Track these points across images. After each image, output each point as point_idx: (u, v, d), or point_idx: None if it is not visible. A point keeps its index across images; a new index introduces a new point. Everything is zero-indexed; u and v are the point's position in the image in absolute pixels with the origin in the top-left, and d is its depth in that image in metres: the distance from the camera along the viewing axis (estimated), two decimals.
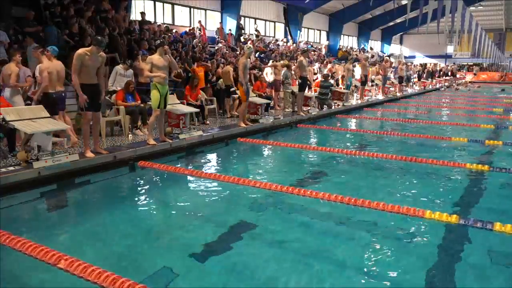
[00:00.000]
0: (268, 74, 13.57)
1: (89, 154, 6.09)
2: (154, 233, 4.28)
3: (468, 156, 7.55)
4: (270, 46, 21.35)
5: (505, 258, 3.72)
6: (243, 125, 9.30)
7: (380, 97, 18.02)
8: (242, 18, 22.15)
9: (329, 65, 19.74)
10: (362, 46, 35.59)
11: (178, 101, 8.62)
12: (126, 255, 3.72)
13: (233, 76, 10.77)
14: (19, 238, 3.57)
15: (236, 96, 11.02)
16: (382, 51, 38.35)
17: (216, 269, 3.46)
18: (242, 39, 19.91)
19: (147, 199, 5.44)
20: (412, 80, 23.68)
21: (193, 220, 4.64)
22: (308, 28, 29.06)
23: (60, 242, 3.99)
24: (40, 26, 9.72)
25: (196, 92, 9.93)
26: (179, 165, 6.93)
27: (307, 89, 12.51)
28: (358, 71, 16.92)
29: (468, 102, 18.80)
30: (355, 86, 16.62)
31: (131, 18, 13.96)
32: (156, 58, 7.04)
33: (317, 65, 19.77)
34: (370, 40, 36.92)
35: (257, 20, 24.02)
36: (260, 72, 13.36)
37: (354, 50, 32.33)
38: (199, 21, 18.52)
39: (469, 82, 34.41)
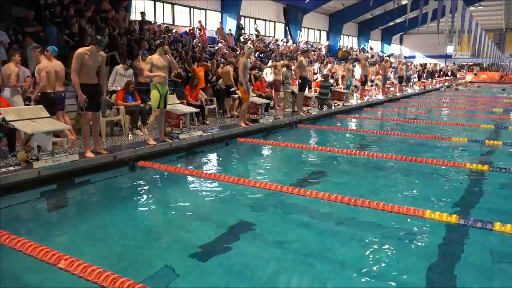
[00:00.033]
0: (268, 74, 13.57)
1: (89, 154, 6.09)
2: (154, 233, 4.28)
3: (468, 156, 7.55)
4: (270, 46, 21.35)
5: (505, 258, 3.72)
6: (243, 125, 9.30)
7: (380, 97, 18.02)
8: (242, 18, 22.15)
9: (329, 65, 19.75)
10: (362, 46, 35.59)
11: (178, 101, 8.62)
12: (126, 255, 3.72)
13: (233, 76, 10.77)
14: (19, 238, 3.57)
15: (236, 96, 11.02)
16: (382, 51, 38.35)
17: (216, 269, 3.46)
18: (242, 39, 19.91)
19: (147, 199, 5.44)
20: (412, 80, 23.69)
21: (193, 220, 4.64)
22: (308, 28, 29.07)
23: (60, 242, 3.99)
24: (40, 26, 9.72)
25: (196, 92, 9.93)
26: (179, 165, 6.93)
27: (307, 89, 12.52)
28: (358, 71, 16.92)
29: (468, 102, 18.81)
30: (355, 86, 16.62)
31: (131, 18, 13.96)
32: (156, 58, 7.04)
33: (317, 65, 19.78)
34: (370, 40, 36.93)
35: (257, 20, 24.02)
36: (260, 72, 13.35)
37: (354, 50, 32.33)
38: (199, 21, 18.52)
39: (469, 82, 34.41)
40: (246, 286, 3.24)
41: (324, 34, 31.58)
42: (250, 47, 9.65)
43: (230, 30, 19.91)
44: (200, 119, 9.78)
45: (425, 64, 31.99)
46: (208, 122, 9.84)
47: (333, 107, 13.45)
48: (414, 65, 29.11)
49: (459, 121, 11.93)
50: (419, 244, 3.96)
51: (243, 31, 21.36)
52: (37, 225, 4.59)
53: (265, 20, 24.86)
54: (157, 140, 7.23)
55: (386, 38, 40.53)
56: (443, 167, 6.54)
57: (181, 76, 10.49)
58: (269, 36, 24.54)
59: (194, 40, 15.85)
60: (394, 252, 3.76)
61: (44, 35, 9.58)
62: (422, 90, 24.22)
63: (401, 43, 46.52)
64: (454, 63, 40.78)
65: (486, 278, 3.37)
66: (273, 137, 9.42)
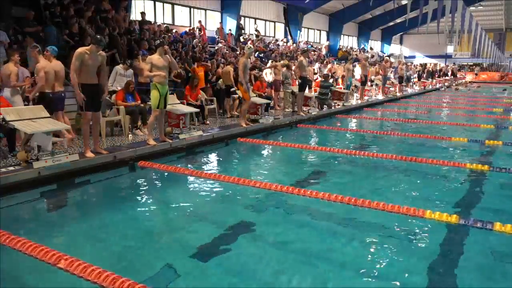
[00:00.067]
0: (268, 74, 13.57)
1: (89, 154, 6.09)
2: (154, 233, 4.28)
3: (468, 156, 7.54)
4: (270, 46, 21.35)
5: (505, 258, 3.72)
6: (244, 124, 9.31)
7: (380, 97, 18.02)
8: (242, 18, 22.16)
9: (329, 65, 19.76)
10: (362, 46, 35.60)
11: (178, 101, 8.62)
12: (126, 255, 3.72)
13: (233, 76, 10.77)
14: (19, 238, 3.56)
15: (236, 96, 11.02)
16: (382, 51, 38.36)
17: (217, 269, 3.46)
18: (242, 39, 19.91)
19: (147, 199, 5.43)
20: (412, 80, 23.69)
21: (193, 220, 4.63)
22: (308, 28, 29.07)
23: (60, 242, 3.99)
24: (40, 26, 9.72)
25: (196, 92, 9.93)
26: (179, 165, 6.92)
27: (307, 89, 12.51)
28: (358, 71, 16.92)
29: (468, 102, 18.80)
30: (355, 86, 16.62)
31: (131, 18, 13.96)
32: (155, 58, 7.04)
33: (317, 65, 19.78)
34: (370, 40, 36.94)
35: (257, 20, 24.03)
36: (260, 72, 13.36)
37: (354, 50, 32.34)
38: (199, 21, 18.53)
39: (469, 82, 34.40)
40: (246, 287, 3.24)
41: (324, 34, 31.59)
42: (250, 47, 9.66)
43: (230, 30, 19.91)
44: (200, 119, 9.78)
45: (425, 64, 31.99)
46: (208, 122, 9.84)
47: (333, 107, 13.45)
48: (414, 65, 29.12)
49: (459, 121, 11.93)
50: (419, 244, 3.97)
51: (243, 31, 21.36)
52: (37, 225, 4.59)
53: (265, 20, 24.87)
54: (157, 140, 7.23)
55: (386, 38, 40.54)
56: (443, 167, 6.54)
57: (181, 76, 10.49)
58: (269, 36, 24.54)
59: (194, 40, 15.86)
60: (394, 252, 3.75)
61: (44, 35, 9.58)
62: (422, 90, 24.22)
63: (401, 43, 46.53)
64: (454, 63, 40.79)
65: (486, 278, 3.37)
66: (273, 137, 9.42)
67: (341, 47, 31.01)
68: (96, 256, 3.60)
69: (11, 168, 5.34)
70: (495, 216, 4.44)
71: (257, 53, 18.06)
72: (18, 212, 4.87)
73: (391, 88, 20.10)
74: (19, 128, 5.61)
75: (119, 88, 8.60)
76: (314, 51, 24.74)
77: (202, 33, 17.44)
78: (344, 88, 15.30)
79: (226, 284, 3.25)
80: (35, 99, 6.98)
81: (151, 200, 5.40)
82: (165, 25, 16.30)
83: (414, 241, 4.01)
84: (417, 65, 30.83)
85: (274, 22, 25.64)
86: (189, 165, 7.05)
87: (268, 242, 4.02)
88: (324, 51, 26.94)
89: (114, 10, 12.33)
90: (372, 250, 3.78)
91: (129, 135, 7.90)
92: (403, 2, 25.85)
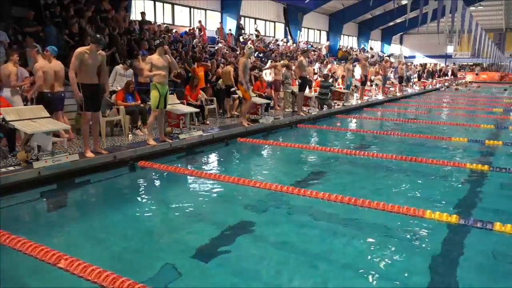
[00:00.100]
0: (267, 74, 13.56)
1: (89, 154, 6.09)
2: (154, 233, 4.28)
3: (468, 156, 7.54)
4: (270, 46, 21.35)
5: (505, 258, 3.72)
6: (245, 123, 9.31)
7: (380, 97, 18.02)
8: (242, 18, 22.16)
9: (329, 65, 19.75)
10: (362, 46, 35.60)
11: (178, 101, 8.61)
12: (126, 255, 3.72)
13: (234, 76, 10.77)
14: (19, 238, 3.56)
15: (236, 96, 11.03)
16: (382, 51, 38.36)
17: (217, 269, 3.46)
18: (241, 39, 19.91)
19: (147, 199, 5.44)
20: (412, 80, 23.69)
21: (193, 220, 4.63)
22: (308, 28, 29.07)
23: (60, 242, 3.99)
24: (40, 26, 9.72)
25: (196, 92, 9.93)
26: (179, 165, 6.93)
27: (307, 89, 12.51)
28: (358, 71, 16.92)
29: (468, 102, 18.81)
30: (355, 86, 16.62)
31: (131, 18, 13.96)
32: (155, 58, 7.04)
33: (317, 65, 19.78)
34: (370, 40, 36.94)
35: (257, 20, 24.03)
36: (260, 72, 13.36)
37: (354, 50, 32.34)
38: (199, 21, 18.53)
39: (469, 82, 34.40)
40: (247, 287, 3.24)
41: (324, 34, 31.59)
42: (250, 47, 9.66)
43: (230, 30, 19.91)
44: (200, 119, 9.78)
45: (425, 64, 32.00)
46: (208, 122, 9.84)
47: (333, 107, 13.45)
48: (414, 65, 29.12)
49: (459, 121, 11.93)
50: (419, 244, 3.97)
51: (243, 31, 21.36)
52: (37, 225, 4.59)
53: (265, 20, 24.87)
54: (157, 140, 7.23)
55: (386, 38, 40.54)
56: (443, 167, 6.54)
57: (181, 76, 10.49)
58: (269, 36, 24.55)
59: (194, 40, 15.86)
60: (394, 252, 3.75)
61: (43, 35, 9.58)
62: (422, 90, 24.22)
63: (401, 43, 46.54)
64: (454, 63, 40.80)
65: (486, 278, 3.37)
66: (273, 137, 9.42)
67: (341, 47, 31.01)
68: (96, 256, 3.60)
69: (11, 168, 5.34)
70: (495, 216, 4.44)
71: (257, 53, 18.06)
72: (18, 212, 4.87)
73: (391, 88, 20.10)
74: (19, 128, 5.61)
75: (119, 88, 8.60)
76: (314, 51, 24.74)
77: (202, 33, 17.44)
78: (344, 88, 15.30)
79: (226, 284, 3.24)
80: (34, 99, 6.98)
81: (151, 200, 5.40)
82: (165, 25, 16.30)
83: (414, 241, 4.01)
84: (417, 65, 30.84)
85: (274, 22, 25.64)
86: (189, 165, 7.05)
87: (269, 242, 4.02)
88: (324, 51, 26.93)
89: (114, 10, 12.33)
90: (372, 250, 3.78)
91: (129, 135, 7.90)
92: (403, 2, 25.85)
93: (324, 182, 5.98)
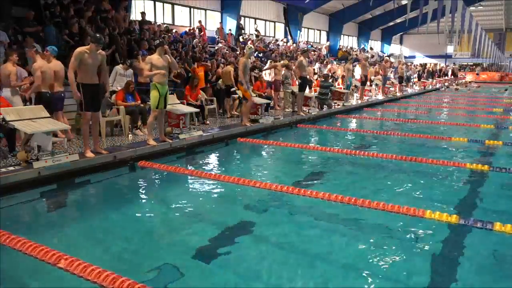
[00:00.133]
0: (266, 74, 13.56)
1: (89, 154, 6.09)
2: (154, 233, 4.29)
3: (468, 156, 7.54)
4: (270, 46, 21.35)
5: (505, 258, 3.72)
6: (247, 123, 9.31)
7: (380, 97, 18.02)
8: (242, 18, 22.16)
9: (329, 65, 19.75)
10: (362, 46, 35.59)
11: (178, 101, 8.62)
12: (126, 255, 3.72)
13: (234, 76, 10.77)
14: (19, 238, 3.57)
15: (236, 96, 11.03)
16: (382, 51, 38.36)
17: (217, 269, 3.46)
18: (241, 39, 19.91)
19: (147, 199, 5.44)
20: (412, 80, 23.69)
21: (193, 220, 4.63)
22: (308, 28, 29.07)
23: (60, 242, 3.98)
24: (40, 26, 9.72)
25: (196, 92, 9.93)
26: (179, 165, 6.92)
27: (307, 89, 12.50)
28: (358, 71, 16.92)
29: (468, 102, 18.81)
30: (355, 86, 16.62)
31: (131, 18, 13.96)
32: (155, 58, 7.03)
33: (317, 65, 19.78)
34: (370, 40, 36.93)
35: (257, 20, 24.03)
36: (260, 72, 13.36)
37: (354, 50, 32.34)
38: (199, 21, 18.53)
39: (469, 82, 34.41)
40: (247, 287, 3.24)
41: (324, 34, 31.59)
42: (250, 47, 9.67)
43: (230, 30, 19.91)
44: (200, 119, 9.78)
45: (425, 64, 32.00)
46: (208, 122, 9.84)
47: (333, 107, 13.45)
48: (414, 65, 29.12)
49: (459, 121, 11.93)
50: (419, 244, 3.96)
51: (243, 31, 21.36)
52: (37, 225, 4.59)
53: (265, 20, 24.87)
54: (157, 140, 7.23)
55: (386, 38, 40.54)
56: (443, 167, 6.54)
57: (181, 76, 10.49)
58: (269, 36, 24.54)
59: (194, 40, 15.86)
60: (394, 252, 3.76)
61: (43, 35, 9.58)
62: (422, 90, 24.22)
63: (401, 43, 46.54)
64: (454, 63, 40.80)
65: (486, 278, 3.37)
66: (273, 137, 9.42)
67: (341, 47, 31.01)
68: (96, 256, 3.60)
69: (11, 168, 5.34)
70: (495, 216, 4.44)
71: (256, 53, 18.06)
72: (18, 212, 4.87)
73: (391, 88, 20.10)
74: (19, 128, 5.61)
75: (119, 88, 8.60)
76: (314, 51, 24.74)
77: (202, 33, 17.44)
78: (344, 88, 15.30)
79: (226, 284, 3.24)
80: (32, 99, 6.98)
81: (151, 200, 5.40)
82: (165, 25, 16.30)
83: (414, 241, 4.01)
84: (417, 65, 30.84)
85: (274, 22, 25.64)
86: (189, 165, 7.06)
87: (269, 242, 4.02)
88: (324, 52, 26.93)
89: (114, 10, 12.33)
90: (372, 250, 3.77)
91: (129, 135, 7.90)
92: (403, 2, 25.85)
93: (324, 182, 5.98)
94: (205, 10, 20.17)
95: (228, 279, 3.31)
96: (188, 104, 9.14)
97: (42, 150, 5.53)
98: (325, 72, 16.21)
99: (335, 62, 23.36)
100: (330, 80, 14.76)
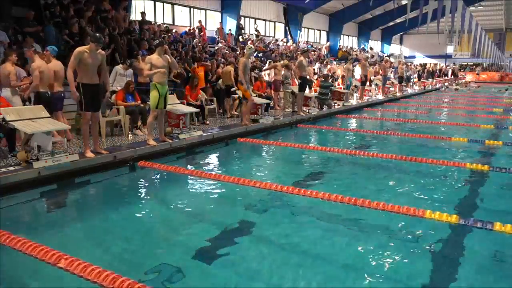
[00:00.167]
0: (266, 75, 13.56)
1: (89, 154, 6.09)
2: (154, 233, 4.28)
3: (468, 156, 7.54)
4: (270, 46, 21.35)
5: (505, 258, 3.72)
6: (248, 123, 9.31)
7: (380, 97, 18.01)
8: (242, 18, 22.16)
9: (329, 65, 19.75)
10: (362, 46, 35.59)
11: (178, 101, 8.62)
12: (126, 255, 3.72)
13: (234, 76, 10.77)
14: (19, 238, 3.57)
15: (236, 96, 11.03)
16: (382, 51, 38.36)
17: (217, 269, 3.45)
18: (241, 39, 19.91)
19: (147, 199, 5.44)
20: (412, 80, 23.69)
21: (193, 220, 4.63)
22: (308, 28, 29.07)
23: (60, 242, 3.98)
24: (40, 26, 9.72)
25: (196, 92, 9.93)
26: (179, 165, 6.92)
27: (307, 88, 12.50)
28: (358, 71, 16.92)
29: (468, 102, 18.81)
30: (355, 86, 16.62)
31: (131, 18, 13.96)
32: (155, 58, 7.03)
33: (317, 65, 19.77)
34: (370, 40, 36.93)
35: (257, 20, 24.03)
36: (260, 73, 13.36)
37: (354, 50, 32.34)
38: (199, 21, 18.53)
39: (469, 82, 34.41)
40: (247, 287, 3.24)
41: (324, 34, 31.59)
42: (251, 47, 9.67)
43: (230, 30, 19.91)
44: (200, 119, 9.78)
45: (425, 64, 31.99)
46: (208, 122, 9.84)
47: (333, 107, 13.45)
48: (414, 65, 29.12)
49: (459, 121, 11.93)
50: (419, 244, 3.96)
51: (243, 31, 21.36)
52: (37, 225, 4.60)
53: (265, 20, 24.87)
54: (157, 140, 7.23)
55: (386, 38, 40.54)
56: (443, 167, 6.54)
57: (181, 76, 10.49)
58: (269, 36, 24.55)
59: (194, 40, 15.86)
60: (394, 252, 3.76)
61: (43, 35, 9.58)
62: (422, 90, 24.22)
63: (401, 43, 46.54)
64: (454, 63, 40.81)
65: (486, 278, 3.37)
66: (273, 137, 9.42)
67: (341, 47, 31.01)
68: (96, 255, 3.60)
69: (11, 168, 5.34)
70: (495, 216, 4.43)
71: (256, 53, 18.05)
72: (18, 212, 4.87)
73: (391, 88, 20.10)
74: (19, 128, 5.61)
75: (119, 88, 8.60)
76: (314, 51, 24.75)
77: (202, 33, 17.44)
78: (344, 88, 15.30)
79: (226, 284, 3.24)
80: (30, 99, 6.98)
81: (151, 200, 5.40)
82: (165, 25, 16.30)
83: (414, 241, 4.01)
84: (417, 65, 30.84)
85: (274, 22, 25.64)
86: (189, 165, 7.06)
87: (269, 242, 4.02)
88: (325, 52, 26.93)
89: (114, 10, 12.33)
90: (372, 250, 3.77)
91: (129, 135, 7.90)
92: (403, 2, 25.86)
93: (324, 182, 5.98)
94: (205, 10, 20.18)
95: (228, 279, 3.31)
96: (188, 104, 9.14)
97: (42, 150, 5.53)
98: (325, 72, 16.20)
99: (334, 62, 23.36)
100: (330, 80, 14.76)
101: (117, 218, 4.64)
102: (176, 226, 4.51)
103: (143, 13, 14.37)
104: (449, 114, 14.30)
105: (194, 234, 4.17)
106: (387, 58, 26.01)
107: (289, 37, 25.68)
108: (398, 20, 35.18)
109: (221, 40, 18.48)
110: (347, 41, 34.65)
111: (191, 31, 17.09)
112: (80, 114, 6.67)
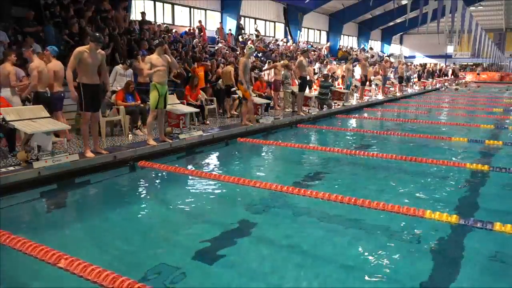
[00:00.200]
0: (265, 74, 13.55)
1: (89, 154, 6.09)
2: (154, 233, 4.28)
3: (468, 156, 7.54)
4: (270, 46, 21.35)
5: (505, 258, 3.72)
6: (248, 123, 9.31)
7: (380, 97, 18.01)
8: (242, 18, 22.16)
9: (328, 65, 19.75)
10: (362, 46, 35.59)
11: (178, 101, 8.62)
12: (126, 254, 3.71)
13: (234, 76, 10.77)
14: (19, 238, 3.57)
15: (236, 96, 11.03)
16: (382, 51, 38.36)
17: (217, 269, 3.45)
18: (241, 39, 19.91)
19: (147, 199, 5.44)
20: (412, 80, 23.69)
21: (193, 220, 4.63)
22: (308, 28, 29.07)
23: (60, 242, 3.98)
24: (40, 26, 9.72)
25: (196, 92, 9.93)
26: (179, 165, 6.92)
27: (308, 88, 12.49)
28: (358, 71, 16.91)
29: (468, 102, 18.81)
30: (355, 86, 16.62)
31: (131, 18, 13.97)
32: (154, 58, 7.03)
33: (317, 65, 19.77)
34: (370, 40, 36.93)
35: (257, 20, 24.03)
36: (260, 73, 13.36)
37: (354, 50, 32.34)
38: (199, 21, 18.53)
39: (469, 82, 34.40)
40: (247, 287, 3.24)
41: (324, 34, 31.59)
42: (251, 47, 9.66)
43: (230, 30, 19.91)
44: (200, 119, 9.78)
45: (425, 64, 31.99)
46: (208, 122, 9.84)
47: (333, 107, 13.45)
48: (414, 65, 29.12)
49: (459, 121, 11.93)
50: (419, 244, 3.96)
51: (243, 31, 21.36)
52: (37, 225, 4.59)
53: (265, 20, 24.87)
54: (157, 140, 7.23)
55: (386, 38, 40.54)
56: (443, 167, 6.54)
57: (181, 76, 10.49)
58: (269, 36, 24.55)
59: (194, 40, 15.86)
60: (394, 252, 3.75)
61: (43, 35, 9.58)
62: (422, 90, 24.22)
63: (401, 43, 46.54)
64: (454, 63, 40.81)
65: (486, 278, 3.37)
66: (273, 137, 9.41)
67: (341, 47, 31.01)
68: (96, 255, 3.61)
69: (11, 168, 5.34)
70: (495, 216, 4.43)
71: (256, 53, 18.04)
72: (18, 212, 4.87)
73: (391, 88, 20.09)
74: (19, 128, 5.61)
75: (119, 88, 8.60)
76: (314, 51, 24.74)
77: (202, 33, 17.44)
78: (344, 88, 15.30)
79: (227, 284, 3.24)
80: (30, 98, 6.98)
81: (151, 200, 5.40)
82: (165, 25, 16.30)
83: (414, 241, 4.01)
84: (417, 65, 30.84)
85: (274, 22, 25.64)
86: (189, 165, 7.05)
87: (269, 242, 4.02)
88: (325, 52, 26.93)
89: (114, 10, 12.33)
90: (372, 250, 3.77)
91: (129, 135, 7.90)
92: (403, 2, 25.85)
93: (324, 182, 5.98)
94: (205, 10, 20.18)
95: (228, 279, 3.31)
96: (188, 104, 9.14)
97: (42, 150, 5.53)
98: (325, 72, 16.20)
99: (334, 62, 23.36)
100: (330, 80, 14.76)
101: (117, 218, 4.64)
102: (176, 226, 4.51)
103: (143, 13, 14.37)
104: (449, 114, 14.30)
105: (194, 234, 4.17)
106: (387, 58, 26.02)
107: (289, 37, 25.68)
108: (398, 20, 35.18)
109: (221, 40, 18.48)
110: (347, 41, 34.65)
111: (191, 31, 17.09)
112: (80, 114, 6.67)
